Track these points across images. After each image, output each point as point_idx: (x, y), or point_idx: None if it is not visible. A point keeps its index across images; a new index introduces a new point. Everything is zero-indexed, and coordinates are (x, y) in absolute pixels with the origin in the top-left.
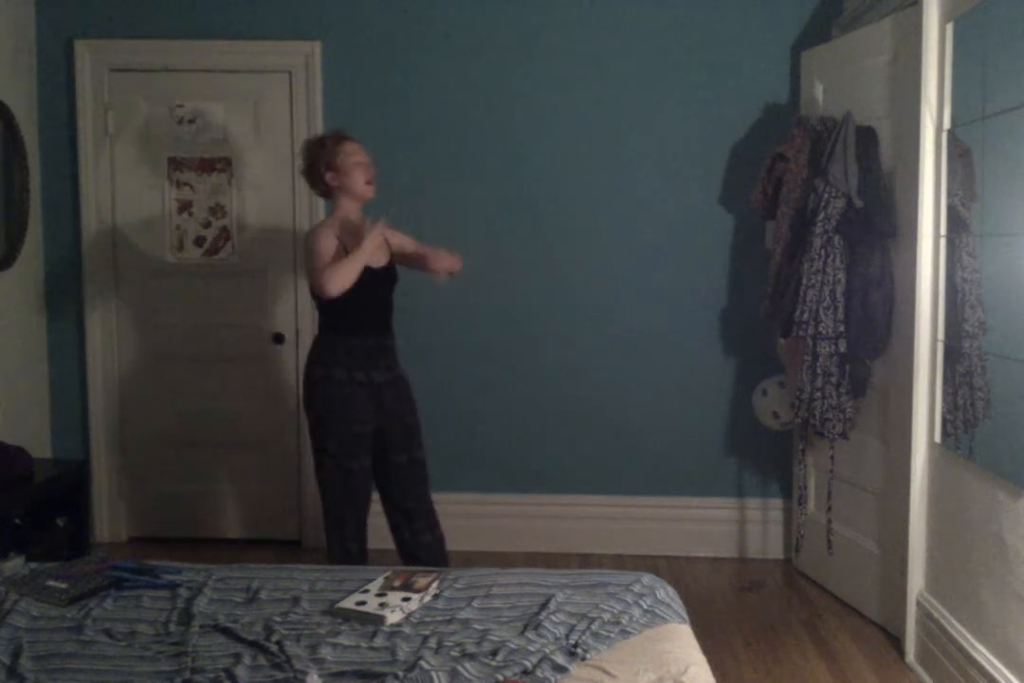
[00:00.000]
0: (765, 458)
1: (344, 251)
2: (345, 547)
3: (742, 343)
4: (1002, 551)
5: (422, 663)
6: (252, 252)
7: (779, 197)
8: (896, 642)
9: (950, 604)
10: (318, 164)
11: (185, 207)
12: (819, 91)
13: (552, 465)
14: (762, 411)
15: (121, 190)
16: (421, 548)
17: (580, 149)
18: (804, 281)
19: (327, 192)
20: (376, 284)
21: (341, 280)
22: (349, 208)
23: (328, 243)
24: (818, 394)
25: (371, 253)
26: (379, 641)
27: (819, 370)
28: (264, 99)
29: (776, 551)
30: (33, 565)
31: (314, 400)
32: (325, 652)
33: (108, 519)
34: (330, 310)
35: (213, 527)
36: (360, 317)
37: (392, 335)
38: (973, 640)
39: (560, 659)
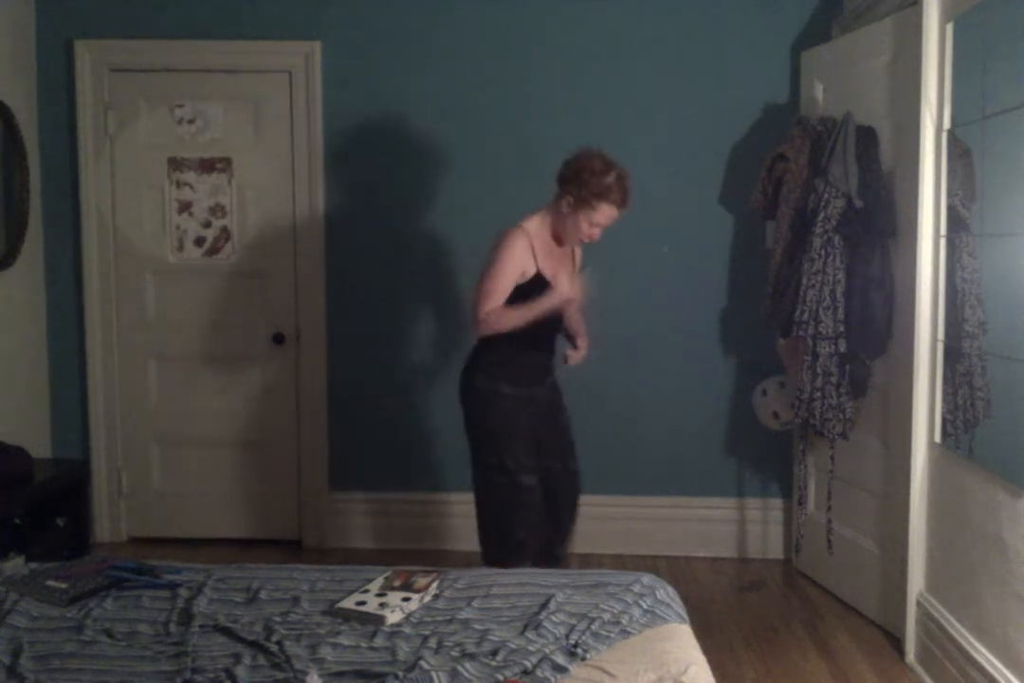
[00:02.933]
0: (765, 458)
1: (538, 272)
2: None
3: (742, 343)
4: (1002, 551)
5: (422, 663)
6: (252, 252)
7: (779, 197)
8: (896, 642)
9: (950, 604)
10: (584, 189)
11: (185, 207)
12: (819, 91)
13: None
14: (762, 411)
15: (121, 190)
16: (553, 562)
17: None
18: (804, 281)
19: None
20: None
21: (499, 327)
22: (553, 227)
23: (516, 263)
24: (818, 394)
25: (544, 313)
26: (379, 641)
27: (819, 370)
28: (264, 99)
29: (776, 551)
30: (33, 565)
31: (485, 415)
32: (325, 652)
33: (108, 519)
34: None
35: (213, 527)
36: (536, 331)
37: (554, 352)
38: (973, 640)
39: (560, 659)
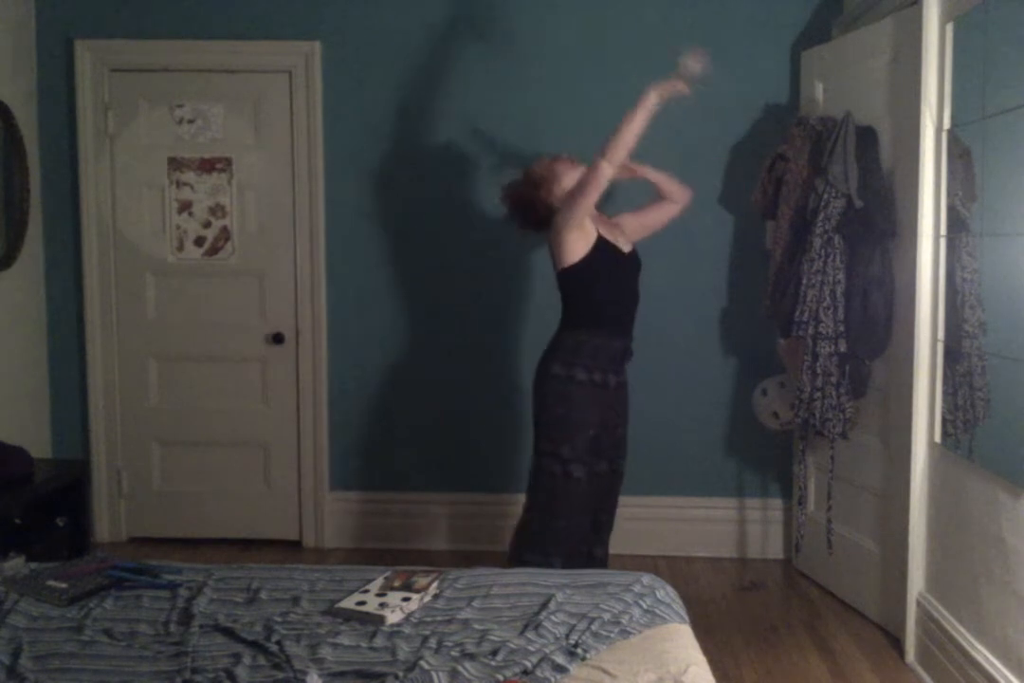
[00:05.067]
0: (765, 458)
1: (598, 234)
2: (553, 560)
3: (742, 343)
4: (1002, 551)
5: (422, 663)
6: (252, 252)
7: (779, 197)
8: (896, 642)
9: (950, 604)
10: (549, 180)
11: (185, 207)
12: (819, 91)
13: None
14: (762, 411)
15: (121, 190)
16: (594, 562)
17: (580, 148)
18: (804, 281)
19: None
20: (626, 269)
21: (618, 150)
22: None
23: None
24: (818, 394)
25: (649, 112)
26: (379, 641)
27: (819, 370)
28: (264, 99)
29: (776, 551)
30: (33, 565)
31: (551, 399)
32: (325, 652)
33: (108, 519)
34: (577, 303)
35: (213, 527)
36: (609, 311)
37: (631, 337)
38: (973, 640)
39: (560, 659)
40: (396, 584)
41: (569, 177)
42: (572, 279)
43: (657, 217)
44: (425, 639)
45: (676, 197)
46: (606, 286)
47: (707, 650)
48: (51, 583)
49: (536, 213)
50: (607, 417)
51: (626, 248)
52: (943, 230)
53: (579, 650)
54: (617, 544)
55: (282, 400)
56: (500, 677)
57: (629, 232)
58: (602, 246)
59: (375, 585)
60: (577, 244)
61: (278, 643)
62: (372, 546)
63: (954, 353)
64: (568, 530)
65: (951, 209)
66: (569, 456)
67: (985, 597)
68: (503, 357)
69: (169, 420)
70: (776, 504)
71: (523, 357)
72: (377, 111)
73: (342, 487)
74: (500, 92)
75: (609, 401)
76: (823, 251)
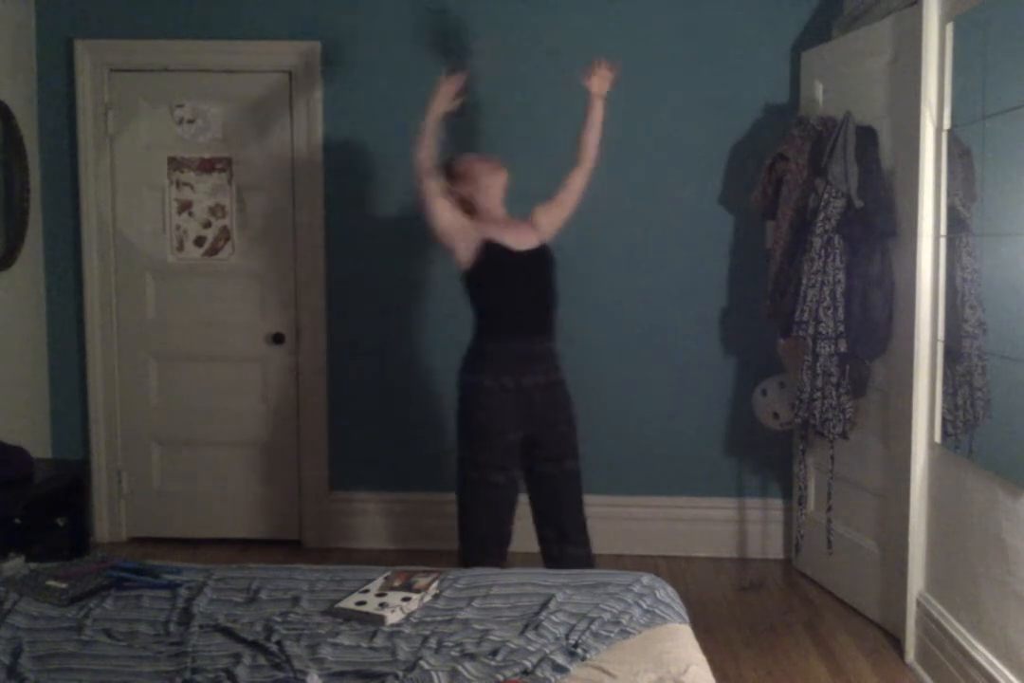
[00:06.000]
0: (765, 458)
1: (483, 239)
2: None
3: (742, 343)
4: (1002, 551)
5: (422, 663)
6: (252, 252)
7: (779, 197)
8: (896, 642)
9: (950, 604)
10: (450, 178)
11: (185, 207)
12: (819, 91)
13: None
14: (762, 411)
15: (121, 190)
16: (571, 563)
17: None
18: (804, 281)
19: (468, 205)
20: (519, 270)
21: (417, 152)
22: (487, 209)
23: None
24: (818, 394)
25: (439, 104)
26: (379, 641)
27: (819, 370)
28: (264, 99)
29: (776, 551)
30: (33, 565)
31: (468, 408)
32: (325, 652)
33: (108, 519)
34: (476, 309)
35: (213, 527)
36: (506, 314)
37: (550, 335)
38: (973, 640)
39: (560, 659)
40: (396, 584)
41: (486, 179)
42: (467, 286)
43: (568, 188)
44: (425, 639)
45: (584, 154)
46: (498, 290)
47: (707, 650)
48: (51, 583)
49: (463, 204)
50: (532, 420)
51: (524, 246)
52: (943, 230)
53: (579, 650)
54: (617, 544)
55: (282, 400)
56: (500, 677)
57: (545, 223)
58: (487, 249)
59: (375, 585)
60: (462, 254)
61: (278, 643)
62: (372, 546)
63: (954, 353)
64: (499, 535)
65: (951, 209)
66: (483, 462)
67: (985, 597)
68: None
69: (169, 420)
70: (776, 504)
71: None
72: (377, 111)
73: (342, 487)
74: (500, 92)
75: (529, 403)
76: (823, 251)
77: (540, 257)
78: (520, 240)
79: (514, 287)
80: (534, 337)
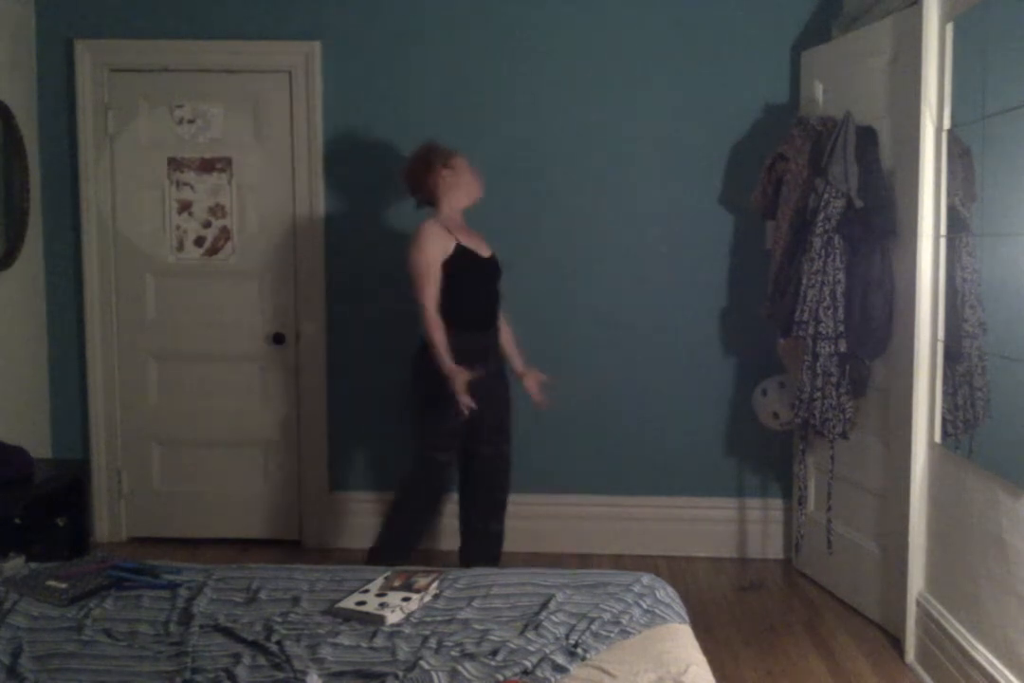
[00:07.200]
0: (765, 458)
1: (459, 244)
2: (390, 540)
3: (742, 343)
4: (1002, 551)
5: (422, 663)
6: (252, 252)
7: (779, 197)
8: (896, 642)
9: (950, 604)
10: (436, 162)
11: (185, 207)
12: (819, 91)
13: (552, 465)
14: (762, 411)
15: (121, 190)
16: (487, 539)
17: (580, 148)
18: (804, 281)
19: (432, 194)
20: (486, 274)
21: (427, 328)
22: (457, 211)
23: (436, 244)
24: (818, 394)
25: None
26: (379, 641)
27: (819, 370)
28: (264, 99)
29: (776, 551)
30: (33, 565)
31: (418, 388)
32: (325, 652)
33: (108, 519)
34: (443, 304)
35: (213, 527)
36: (470, 311)
37: (498, 328)
38: (973, 640)
39: (560, 659)
40: (396, 584)
41: (470, 183)
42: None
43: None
44: (425, 639)
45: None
46: (469, 289)
47: (707, 650)
48: (51, 583)
49: (421, 192)
50: (482, 407)
51: (485, 253)
52: (943, 230)
53: (579, 650)
54: (617, 544)
55: (282, 400)
56: (500, 677)
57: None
58: (461, 253)
59: (375, 585)
60: (431, 287)
61: (278, 643)
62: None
63: (954, 353)
64: (434, 504)
65: (951, 209)
66: (435, 444)
67: (985, 597)
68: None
69: (169, 420)
70: (776, 504)
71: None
72: (377, 111)
73: (342, 487)
74: (500, 92)
75: (479, 394)
76: (823, 251)
77: (495, 264)
78: (481, 248)
79: (478, 288)
80: (487, 332)
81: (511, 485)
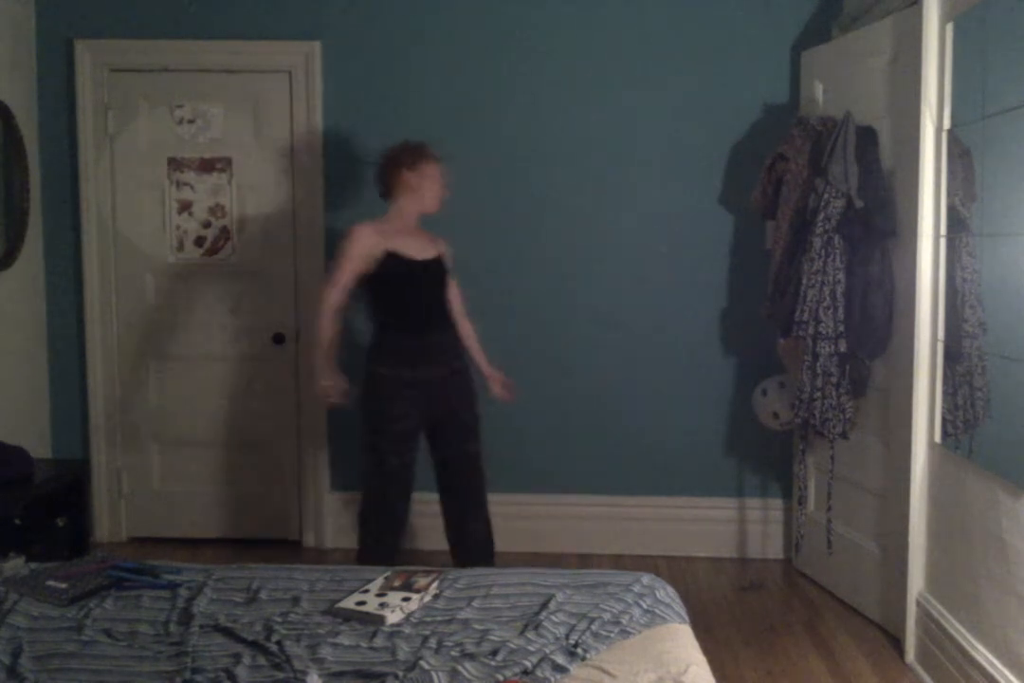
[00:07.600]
0: (765, 458)
1: (387, 250)
2: (368, 545)
3: (742, 343)
4: (1002, 551)
5: (422, 663)
6: (252, 252)
7: (779, 197)
8: (896, 642)
9: (950, 604)
10: (403, 161)
11: (185, 207)
12: (819, 91)
13: (552, 465)
14: (762, 411)
15: (121, 190)
16: (472, 539)
17: (580, 149)
18: (804, 281)
19: (390, 191)
20: (420, 279)
21: (318, 320)
22: (408, 214)
23: (361, 245)
24: (818, 394)
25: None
26: (379, 641)
27: (819, 370)
28: (264, 99)
29: (776, 551)
30: (33, 565)
31: (365, 395)
32: (325, 652)
33: (108, 519)
34: (375, 307)
35: (213, 527)
36: (404, 314)
37: (446, 329)
38: (973, 640)
39: (560, 659)
40: (396, 584)
41: (430, 188)
42: (366, 291)
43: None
44: (425, 639)
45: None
46: (394, 294)
47: (707, 650)
48: (51, 583)
49: (380, 184)
50: (432, 407)
51: (423, 256)
52: (943, 230)
53: (579, 650)
54: (617, 544)
55: (282, 400)
56: (500, 677)
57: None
58: (389, 260)
59: (375, 585)
60: (348, 275)
61: (278, 643)
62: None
63: (954, 353)
64: (392, 518)
65: (951, 209)
66: (380, 447)
67: (985, 597)
68: (501, 357)
69: (169, 420)
70: (776, 504)
71: (520, 356)
72: (377, 111)
73: (342, 487)
74: (500, 92)
75: (427, 393)
76: (823, 251)
77: (437, 266)
78: (421, 249)
79: (408, 291)
80: (426, 332)
81: (488, 483)
